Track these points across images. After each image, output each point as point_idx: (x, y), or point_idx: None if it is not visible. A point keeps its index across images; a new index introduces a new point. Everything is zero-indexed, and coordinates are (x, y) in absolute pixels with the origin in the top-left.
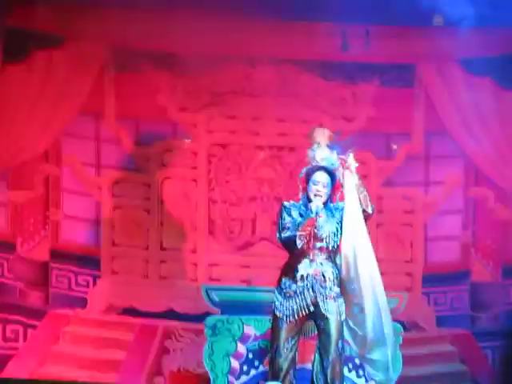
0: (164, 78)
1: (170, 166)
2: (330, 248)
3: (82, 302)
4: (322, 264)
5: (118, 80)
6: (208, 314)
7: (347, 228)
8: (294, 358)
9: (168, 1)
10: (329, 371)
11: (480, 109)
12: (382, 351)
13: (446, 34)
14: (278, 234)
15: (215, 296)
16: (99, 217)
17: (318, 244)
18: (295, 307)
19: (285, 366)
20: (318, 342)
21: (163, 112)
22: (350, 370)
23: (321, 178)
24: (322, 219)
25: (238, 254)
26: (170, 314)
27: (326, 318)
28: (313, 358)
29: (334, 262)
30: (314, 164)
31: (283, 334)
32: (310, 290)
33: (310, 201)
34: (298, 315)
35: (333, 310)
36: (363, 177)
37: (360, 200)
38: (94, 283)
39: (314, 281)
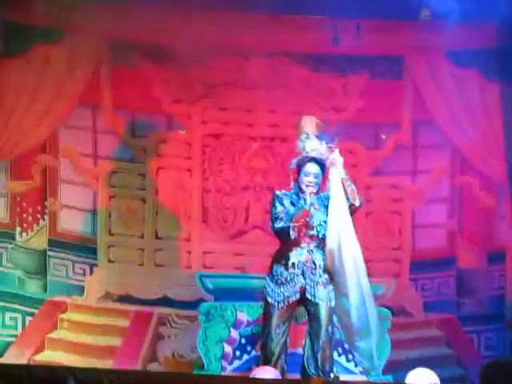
0: (159, 70)
1: (164, 157)
2: (321, 236)
3: (79, 290)
4: (312, 251)
5: (114, 73)
6: (202, 300)
7: (332, 222)
8: (285, 343)
9: None
10: (319, 355)
11: (466, 100)
12: (367, 340)
13: (433, 27)
14: (271, 224)
15: (209, 283)
16: (96, 206)
17: (310, 232)
18: (286, 294)
19: (276, 350)
20: (309, 327)
21: (158, 104)
22: (339, 355)
23: (312, 169)
24: (311, 207)
25: (232, 242)
26: (165, 301)
27: (317, 303)
28: (304, 342)
29: (323, 249)
30: (304, 155)
31: (275, 320)
32: (301, 276)
33: (301, 191)
34: (289, 301)
35: (323, 296)
36: (353, 166)
37: (347, 194)
38: (91, 271)
39: (305, 268)
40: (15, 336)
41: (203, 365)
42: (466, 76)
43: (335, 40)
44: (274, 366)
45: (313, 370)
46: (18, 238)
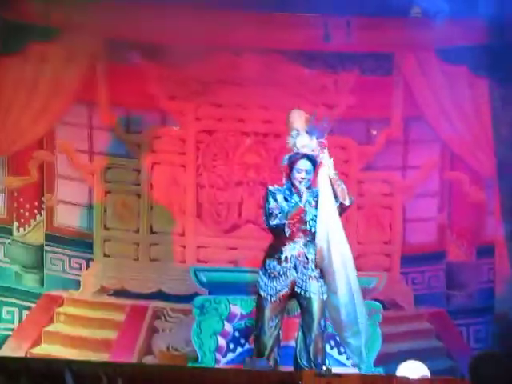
0: (153, 68)
1: (159, 152)
2: (313, 230)
3: (76, 284)
4: (305, 246)
5: (110, 70)
6: (196, 294)
7: (321, 222)
8: (278, 336)
9: None
10: (311, 348)
11: (456, 96)
12: (356, 337)
13: (423, 24)
14: (265, 220)
15: (203, 277)
16: (92, 202)
17: (302, 227)
18: (279, 287)
19: (269, 343)
20: (301, 320)
21: (153, 100)
22: (331, 348)
23: (304, 165)
24: (307, 204)
25: (225, 236)
26: (160, 295)
27: (309, 297)
28: (296, 335)
29: (315, 244)
30: (295, 151)
31: (267, 313)
32: (294, 270)
33: (294, 187)
34: (282, 295)
35: (315, 289)
36: (344, 162)
37: (337, 194)
38: (87, 266)
39: (298, 262)
40: (12, 330)
41: (197, 358)
42: (455, 72)
43: (326, 37)
44: (267, 359)
45: (305, 363)
46: (15, 232)
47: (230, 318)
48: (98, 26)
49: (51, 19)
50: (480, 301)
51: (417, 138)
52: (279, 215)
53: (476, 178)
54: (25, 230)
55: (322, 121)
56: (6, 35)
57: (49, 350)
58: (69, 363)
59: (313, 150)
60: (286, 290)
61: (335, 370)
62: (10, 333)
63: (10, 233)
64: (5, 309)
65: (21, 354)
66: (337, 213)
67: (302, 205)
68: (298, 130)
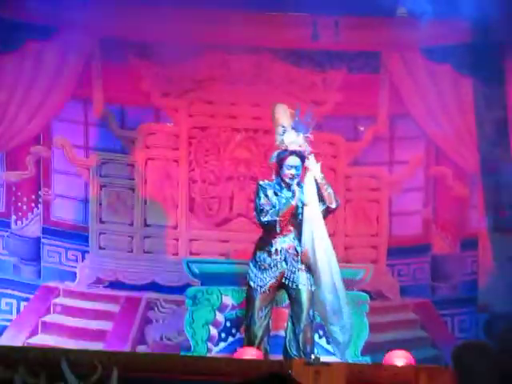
0: (147, 66)
1: (153, 148)
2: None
3: (72, 276)
4: (294, 239)
5: (105, 68)
6: (189, 285)
7: (306, 226)
8: (267, 326)
9: None
10: (301, 337)
11: (440, 93)
12: (342, 332)
13: (409, 24)
14: (257, 216)
15: (195, 268)
16: (87, 196)
17: (292, 220)
18: (269, 279)
19: (259, 333)
20: (291, 310)
21: (147, 97)
22: (320, 337)
23: (293, 161)
24: (297, 197)
25: (217, 229)
26: (153, 286)
27: (298, 288)
28: (286, 325)
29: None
30: (283, 148)
31: (257, 304)
32: (284, 262)
33: (284, 182)
34: (272, 286)
35: (304, 281)
36: (333, 157)
37: (324, 198)
38: (83, 258)
39: (288, 255)
40: (11, 320)
41: (190, 347)
42: (440, 71)
43: (315, 36)
44: (258, 348)
45: (295, 352)
46: (13, 226)
47: (221, 308)
48: (94, 25)
49: (47, 18)
50: (464, 292)
51: (403, 135)
52: (270, 211)
53: (460, 173)
54: (22, 223)
55: (305, 115)
56: (3, 34)
57: (46, 340)
58: (65, 352)
59: (300, 146)
60: (275, 282)
61: (323, 358)
62: (8, 323)
63: (9, 226)
64: (3, 300)
65: (18, 343)
66: (321, 215)
67: (293, 203)
68: (284, 127)
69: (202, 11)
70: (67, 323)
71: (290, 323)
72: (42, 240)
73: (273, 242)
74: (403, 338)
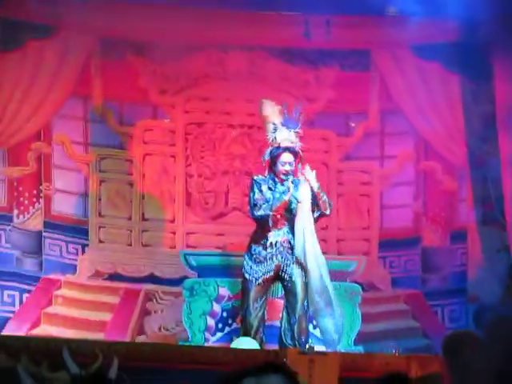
0: (145, 64)
1: (150, 144)
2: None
3: (72, 268)
4: (288, 232)
5: (104, 66)
6: (186, 277)
7: (299, 233)
8: (263, 316)
9: None
10: (296, 327)
11: (429, 90)
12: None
13: (399, 23)
14: (250, 211)
15: (192, 261)
16: (87, 190)
17: (287, 214)
18: (264, 271)
19: (255, 323)
20: (286, 301)
21: (144, 95)
22: (314, 327)
23: (287, 158)
24: (290, 193)
25: (213, 222)
26: (152, 279)
27: (293, 280)
28: (281, 315)
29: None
30: (276, 146)
31: (252, 295)
32: (279, 255)
33: (278, 178)
34: (266, 278)
35: (298, 273)
36: (325, 152)
37: (320, 206)
38: (83, 251)
39: (282, 248)
40: (13, 312)
41: (188, 337)
42: (428, 68)
43: (307, 35)
44: (253, 338)
45: (289, 341)
46: (15, 220)
47: (218, 299)
48: (93, 24)
49: (47, 17)
50: (453, 283)
51: (393, 131)
52: (263, 206)
53: (449, 167)
54: (24, 217)
55: (294, 111)
56: (5, 33)
57: (48, 330)
58: (67, 342)
59: (292, 142)
60: (270, 274)
61: (317, 348)
62: (11, 315)
63: (11, 220)
64: (6, 292)
65: (21, 334)
66: (312, 222)
67: (286, 198)
68: (275, 124)
69: (198, 11)
70: (68, 314)
71: (285, 313)
72: (44, 233)
73: (267, 235)
74: (395, 328)
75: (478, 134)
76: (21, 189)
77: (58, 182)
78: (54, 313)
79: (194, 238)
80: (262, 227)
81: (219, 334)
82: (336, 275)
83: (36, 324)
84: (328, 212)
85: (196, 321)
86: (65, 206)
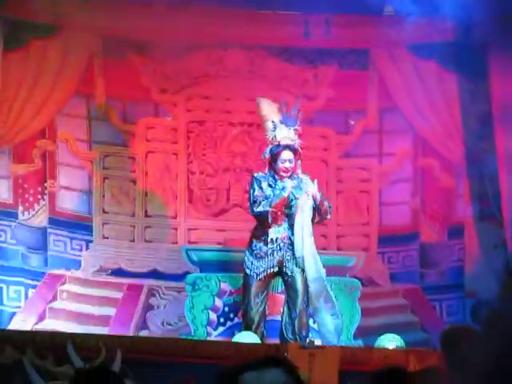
0: (146, 63)
1: (152, 141)
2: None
3: (77, 264)
4: (288, 228)
5: (107, 65)
6: (188, 273)
7: (298, 239)
8: (264, 311)
9: None
10: (296, 322)
11: (427, 88)
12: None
13: (396, 22)
14: (250, 207)
15: (194, 256)
16: (91, 187)
17: (286, 211)
18: (265, 266)
19: (256, 318)
20: (287, 296)
21: (146, 93)
22: (314, 322)
23: (287, 156)
24: (291, 194)
25: (214, 219)
26: (154, 274)
27: (293, 275)
28: (282, 310)
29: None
30: (276, 144)
31: (253, 290)
32: (279, 251)
33: (278, 175)
34: (267, 273)
35: (298, 268)
36: (324, 150)
37: (321, 212)
38: (87, 247)
39: (282, 244)
40: (19, 307)
41: (190, 332)
42: (426, 67)
43: (307, 34)
44: (255, 332)
45: (290, 335)
46: (20, 216)
47: (219, 294)
48: (95, 23)
49: (51, 17)
50: (451, 278)
51: (391, 128)
52: (263, 202)
53: (446, 164)
54: (29, 213)
55: (292, 108)
56: (9, 32)
57: (53, 325)
58: (71, 336)
59: (292, 140)
60: (271, 270)
61: (318, 342)
62: (17, 310)
63: (16, 216)
64: (12, 288)
65: (27, 329)
66: (310, 227)
67: (285, 195)
68: (274, 123)
69: (200, 10)
70: (73, 309)
71: (286, 308)
72: (48, 230)
73: (268, 231)
74: (393, 323)
75: (475, 131)
76: (26, 186)
77: (63, 179)
78: (58, 308)
79: (196, 233)
80: (262, 223)
81: (221, 329)
82: (336, 270)
83: (41, 318)
84: (329, 217)
85: (198, 315)
86: (69, 203)
